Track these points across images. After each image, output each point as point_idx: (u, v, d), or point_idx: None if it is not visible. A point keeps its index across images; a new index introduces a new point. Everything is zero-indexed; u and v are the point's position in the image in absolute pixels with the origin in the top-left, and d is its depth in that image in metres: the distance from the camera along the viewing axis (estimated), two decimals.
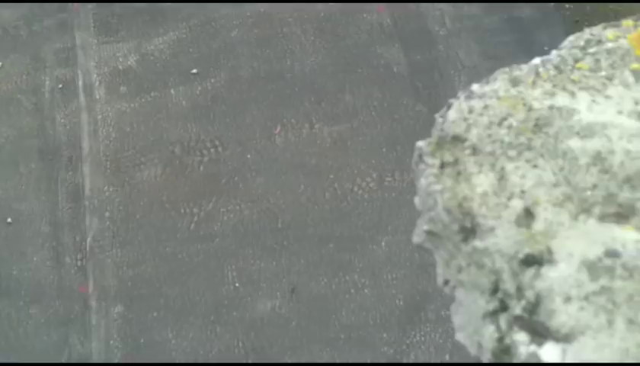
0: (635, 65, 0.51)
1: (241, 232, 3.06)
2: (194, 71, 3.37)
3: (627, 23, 0.55)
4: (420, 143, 0.52)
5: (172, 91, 3.35)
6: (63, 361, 2.91)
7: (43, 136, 3.35)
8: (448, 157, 0.50)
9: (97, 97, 3.43)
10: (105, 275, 3.10)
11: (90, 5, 3.53)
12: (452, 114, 0.52)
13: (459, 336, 0.48)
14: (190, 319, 2.92)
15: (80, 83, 3.47)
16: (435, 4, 3.34)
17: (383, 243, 2.91)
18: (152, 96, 3.37)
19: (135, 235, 3.15)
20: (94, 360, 2.92)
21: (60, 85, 3.44)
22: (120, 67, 3.46)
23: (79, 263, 3.14)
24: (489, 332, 0.46)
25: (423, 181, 0.50)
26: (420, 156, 0.51)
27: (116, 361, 2.91)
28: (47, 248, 3.14)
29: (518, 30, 3.24)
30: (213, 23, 3.42)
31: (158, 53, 3.45)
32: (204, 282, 3.02)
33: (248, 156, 3.14)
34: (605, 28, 0.53)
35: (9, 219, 3.16)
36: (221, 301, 2.95)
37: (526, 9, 3.23)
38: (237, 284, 2.99)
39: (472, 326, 0.47)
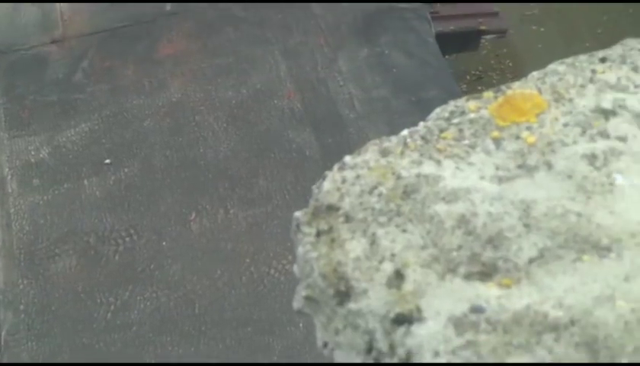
0: (495, 134, 0.54)
1: (159, 320, 2.99)
2: (107, 161, 3.29)
3: (488, 94, 0.58)
4: (297, 214, 0.53)
5: (85, 181, 3.27)
6: None
7: None
8: (323, 225, 0.51)
9: (10, 190, 3.33)
10: None
11: (0, 100, 3.46)
12: (326, 185, 0.53)
13: None
14: None
15: None
16: (344, 89, 3.41)
17: (301, 324, 2.90)
18: (66, 187, 3.28)
19: (51, 328, 3.03)
20: None
21: None
22: (33, 160, 3.37)
23: None
24: None
25: (300, 250, 0.51)
26: (298, 226, 0.52)
27: None
28: None
29: (425, 111, 3.37)
30: (125, 113, 3.38)
31: (70, 145, 3.38)
32: None
33: (164, 244, 3.08)
34: (467, 100, 0.57)
35: None
36: None
37: (432, 91, 3.34)
38: None
39: None
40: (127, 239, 3.07)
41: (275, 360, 2.80)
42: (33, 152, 3.35)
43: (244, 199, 3.06)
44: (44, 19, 3.58)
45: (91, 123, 3.33)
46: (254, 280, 2.89)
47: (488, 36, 4.28)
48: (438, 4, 3.82)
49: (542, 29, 4.65)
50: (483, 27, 4.13)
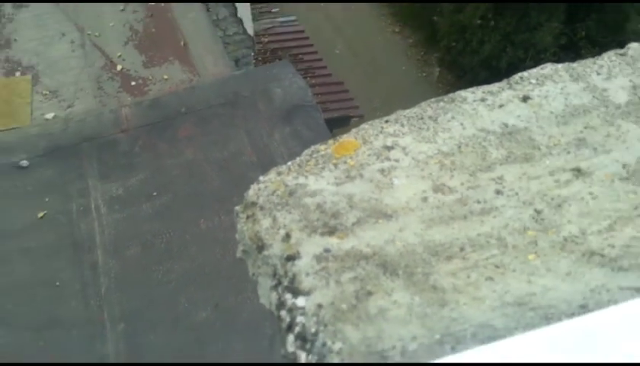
0: (334, 161, 1.00)
1: None
2: (154, 193, 5.55)
3: (330, 142, 1.04)
4: (236, 208, 0.96)
5: (143, 206, 5.36)
6: None
7: None
8: (249, 212, 0.95)
9: (102, 213, 5.27)
10: None
11: (95, 164, 5.66)
12: (250, 191, 0.97)
13: (262, 301, 0.92)
14: None
15: None
16: (278, 149, 5.47)
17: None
18: (131, 210, 5.36)
19: None
20: None
21: None
22: (114, 195, 5.42)
23: None
24: (273, 295, 0.90)
25: (238, 226, 0.95)
26: (237, 213, 0.96)
27: None
28: None
29: None
30: (162, 168, 5.75)
31: (133, 186, 5.54)
32: None
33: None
34: (320, 145, 1.02)
35: None
36: None
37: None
38: None
39: (266, 294, 0.92)
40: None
41: None
42: (114, 191, 5.40)
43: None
44: (116, 118, 6.18)
45: (144, 174, 5.53)
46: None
47: (353, 119, 8.81)
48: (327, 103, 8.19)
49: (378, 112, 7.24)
50: (351, 114, 8.78)
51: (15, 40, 7.04)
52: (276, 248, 0.91)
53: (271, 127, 5.97)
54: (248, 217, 0.95)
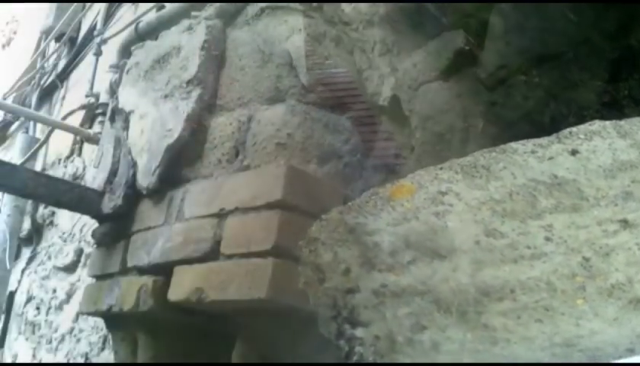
0: (391, 203, 1.05)
1: None
2: None
3: (388, 186, 1.08)
4: (300, 242, 1.02)
5: None
6: None
7: None
8: (312, 247, 1.00)
9: None
10: None
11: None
12: (313, 228, 1.02)
13: (321, 330, 0.96)
14: None
15: None
16: None
17: None
18: None
19: None
20: None
21: None
22: None
23: None
24: (333, 325, 0.95)
25: (301, 259, 1.00)
26: (300, 247, 1.01)
27: None
28: None
29: None
30: None
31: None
32: None
33: None
34: (379, 187, 1.07)
35: None
36: None
37: None
38: None
39: (325, 324, 0.96)
40: None
41: None
42: None
43: None
44: None
45: None
46: None
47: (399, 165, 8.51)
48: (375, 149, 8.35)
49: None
50: (397, 161, 8.63)
51: None
52: (336, 281, 0.95)
53: None
54: (310, 251, 1.00)
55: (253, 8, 1.96)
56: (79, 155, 3.80)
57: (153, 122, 1.98)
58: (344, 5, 2.09)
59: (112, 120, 2.22)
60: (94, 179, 2.24)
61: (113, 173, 2.11)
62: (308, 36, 1.83)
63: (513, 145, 1.13)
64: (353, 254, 0.98)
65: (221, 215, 1.68)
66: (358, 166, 1.83)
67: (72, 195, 2.00)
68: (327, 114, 1.80)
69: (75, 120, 3.46)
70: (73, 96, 3.97)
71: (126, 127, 2.10)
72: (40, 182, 1.92)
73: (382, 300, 0.92)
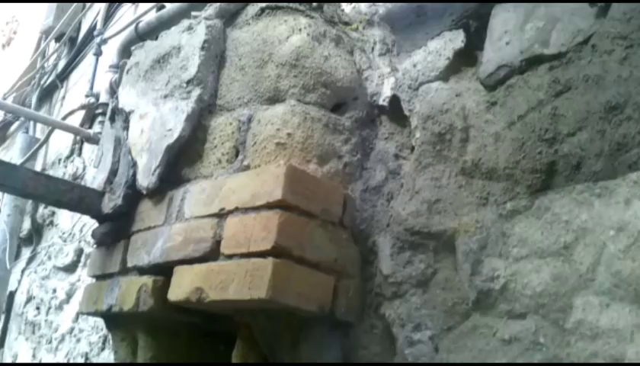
0: None
1: None
2: None
3: None
4: None
5: None
6: None
7: None
8: None
9: None
10: None
11: None
12: None
13: None
14: None
15: None
16: None
17: None
18: None
19: None
20: None
21: None
22: None
23: None
24: None
25: None
26: None
27: None
28: None
29: None
30: None
31: None
32: None
33: None
34: None
35: None
36: None
37: None
38: None
39: None
40: None
41: None
42: None
43: None
44: None
45: None
46: None
47: None
48: None
49: None
50: None
51: None
52: None
53: None
54: None
55: (253, 8, 1.95)
56: (79, 155, 3.80)
57: (153, 122, 1.97)
58: (344, 5, 2.09)
59: (112, 120, 2.21)
60: (94, 179, 2.23)
61: (113, 173, 2.10)
62: (308, 36, 1.82)
63: None
64: None
65: (221, 215, 1.68)
66: (358, 166, 1.82)
67: (72, 195, 1.99)
68: (327, 114, 1.80)
69: (75, 120, 3.46)
70: (73, 96, 3.96)
71: (126, 127, 2.10)
72: (39, 182, 1.91)
73: None
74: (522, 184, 1.43)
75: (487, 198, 1.50)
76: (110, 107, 2.27)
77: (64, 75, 4.11)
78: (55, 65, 4.19)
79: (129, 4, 3.52)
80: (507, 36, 1.55)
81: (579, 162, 1.31)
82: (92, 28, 3.66)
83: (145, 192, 1.96)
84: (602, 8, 1.33)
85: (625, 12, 1.26)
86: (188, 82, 1.90)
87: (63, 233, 3.90)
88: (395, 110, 1.85)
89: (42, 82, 4.29)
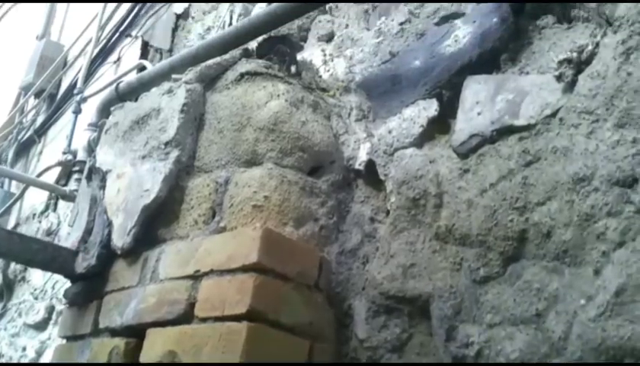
0: None
1: None
2: None
3: None
4: None
5: None
6: None
7: None
8: None
9: None
10: None
11: None
12: None
13: None
14: None
15: None
16: None
17: None
18: None
19: None
20: None
21: None
22: None
23: None
24: None
25: None
26: None
27: None
28: None
29: None
30: None
31: None
32: None
33: None
34: None
35: None
36: None
37: None
38: None
39: None
40: None
41: None
42: None
43: None
44: None
45: None
46: None
47: None
48: None
49: None
50: None
51: None
52: None
53: None
54: None
55: (233, 73, 1.99)
56: (54, 210, 3.75)
57: (130, 182, 1.97)
58: (322, 72, 2.14)
59: (89, 178, 2.20)
60: (68, 237, 2.20)
61: (87, 232, 2.08)
62: (286, 101, 1.85)
63: None
64: None
65: (196, 277, 1.66)
66: (334, 229, 1.83)
67: (45, 254, 1.96)
68: (304, 177, 1.81)
69: (52, 175, 3.43)
70: (50, 151, 3.95)
71: (103, 187, 2.09)
72: (12, 241, 1.88)
73: None
74: (494, 251, 1.44)
75: (460, 264, 1.51)
76: (87, 166, 2.26)
77: (42, 131, 4.10)
78: (33, 121, 4.18)
79: (110, 64, 3.56)
80: (478, 106, 1.59)
81: (549, 231, 1.33)
82: (72, 86, 3.67)
83: (119, 252, 1.93)
84: (568, 84, 1.38)
85: (591, 89, 1.31)
86: (167, 144, 1.90)
87: (35, 290, 3.81)
88: (371, 175, 1.87)
89: (19, 137, 4.27)
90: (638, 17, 1.27)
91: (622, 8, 1.32)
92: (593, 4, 1.42)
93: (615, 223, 1.22)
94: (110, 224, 1.98)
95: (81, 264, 2.02)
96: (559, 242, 1.31)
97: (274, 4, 2.04)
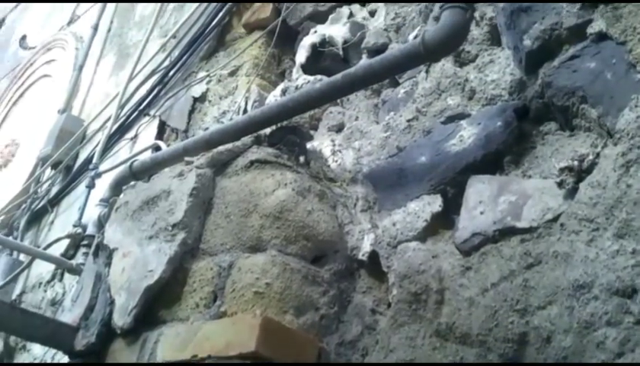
0: None
1: None
2: None
3: None
4: None
5: None
6: None
7: None
8: None
9: None
10: None
11: None
12: None
13: None
14: None
15: None
16: None
17: None
18: None
19: None
20: None
21: None
22: None
23: None
24: None
25: None
26: None
27: None
28: None
29: None
30: None
31: None
32: None
33: None
34: None
35: None
36: None
37: None
38: None
39: None
40: None
41: None
42: None
43: None
44: None
45: None
46: None
47: None
48: None
49: None
50: None
51: None
52: None
53: None
54: None
55: (243, 160, 2.02)
56: (60, 280, 3.74)
57: (135, 261, 1.97)
58: (330, 162, 2.17)
59: (95, 255, 2.20)
60: (70, 312, 2.19)
61: (90, 309, 2.06)
62: (293, 190, 1.87)
63: None
64: None
65: (193, 362, 1.64)
66: (335, 319, 1.81)
67: (46, 330, 1.95)
68: (306, 266, 1.81)
69: (61, 245, 3.44)
70: (62, 222, 3.97)
71: (109, 264, 2.09)
72: (14, 316, 1.87)
73: None
74: (494, 352, 1.42)
75: (461, 363, 1.48)
76: (95, 242, 2.27)
77: (55, 201, 4.13)
78: (48, 191, 4.23)
79: (127, 141, 3.63)
80: (481, 206, 1.60)
81: (549, 336, 1.31)
82: (89, 160, 3.73)
83: (119, 331, 1.92)
84: (569, 191, 1.40)
85: (592, 197, 1.32)
86: (174, 226, 1.92)
87: (35, 359, 3.75)
88: (374, 266, 1.86)
89: (32, 206, 4.31)
90: (638, 131, 1.29)
91: (622, 122, 1.34)
92: (594, 115, 1.45)
93: (614, 333, 1.20)
94: (112, 302, 1.97)
95: (81, 342, 2.00)
96: (559, 348, 1.29)
97: (286, 97, 2.10)
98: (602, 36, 1.51)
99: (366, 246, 1.89)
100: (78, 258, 2.96)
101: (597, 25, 1.52)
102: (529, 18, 1.70)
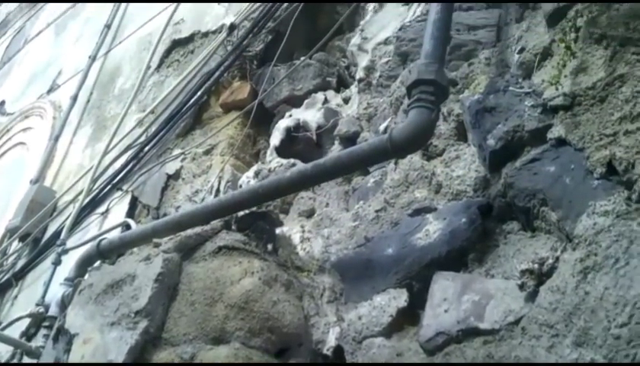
0: None
1: None
2: None
3: None
4: None
5: None
6: None
7: None
8: None
9: None
10: None
11: None
12: None
13: None
14: None
15: None
16: None
17: None
18: None
19: None
20: None
21: None
22: None
23: None
24: None
25: None
26: None
27: None
28: None
29: None
30: None
31: None
32: None
33: None
34: None
35: None
36: None
37: None
38: None
39: None
40: None
41: None
42: None
43: None
44: None
45: None
46: None
47: None
48: None
49: None
50: None
51: None
52: None
53: None
54: None
55: (211, 245, 2.02)
56: (20, 360, 3.62)
57: (95, 349, 1.92)
58: (299, 249, 2.17)
59: (55, 340, 2.15)
60: None
61: None
62: (259, 280, 1.86)
63: None
64: None
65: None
66: None
67: None
68: (270, 359, 1.78)
69: (22, 324, 3.35)
70: (26, 297, 3.87)
71: (68, 350, 2.03)
72: None
73: None
74: None
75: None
76: (55, 326, 2.22)
77: (20, 275, 4.05)
78: (14, 264, 4.15)
79: (98, 215, 3.61)
80: (445, 303, 1.61)
81: None
82: (57, 233, 3.69)
83: None
84: (530, 294, 1.41)
85: (551, 302, 1.33)
86: (137, 313, 1.89)
87: None
88: (339, 360, 1.84)
89: None
90: (595, 237, 1.32)
91: (580, 227, 1.38)
92: (554, 218, 1.48)
93: None
94: None
95: None
96: None
97: (257, 184, 2.12)
98: (561, 142, 1.56)
99: (331, 340, 1.87)
100: (39, 340, 2.88)
101: (557, 130, 1.58)
102: (493, 119, 1.76)
